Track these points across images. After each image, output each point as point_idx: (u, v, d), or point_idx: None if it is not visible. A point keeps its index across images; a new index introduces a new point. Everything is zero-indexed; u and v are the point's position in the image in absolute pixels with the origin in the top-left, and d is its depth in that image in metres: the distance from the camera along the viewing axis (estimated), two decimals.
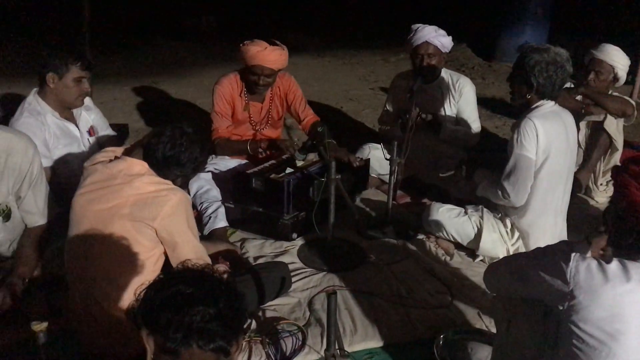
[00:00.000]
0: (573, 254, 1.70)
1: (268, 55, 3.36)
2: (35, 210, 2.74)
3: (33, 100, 3.06)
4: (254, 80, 3.46)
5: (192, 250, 2.25)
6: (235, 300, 1.35)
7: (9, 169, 2.61)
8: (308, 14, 9.76)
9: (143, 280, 2.12)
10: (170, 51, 7.89)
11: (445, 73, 3.90)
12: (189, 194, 3.23)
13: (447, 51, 3.78)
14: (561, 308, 1.70)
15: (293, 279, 2.85)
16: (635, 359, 1.58)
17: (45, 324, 2.02)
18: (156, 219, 2.17)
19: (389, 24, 8.96)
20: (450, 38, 3.74)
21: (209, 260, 2.35)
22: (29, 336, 2.18)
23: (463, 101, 3.86)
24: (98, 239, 2.20)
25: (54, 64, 2.99)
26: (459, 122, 3.89)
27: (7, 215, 2.68)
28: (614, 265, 1.65)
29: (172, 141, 2.23)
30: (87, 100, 3.28)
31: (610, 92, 3.84)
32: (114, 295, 2.20)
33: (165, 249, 2.26)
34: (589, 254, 1.81)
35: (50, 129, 3.06)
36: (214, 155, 3.62)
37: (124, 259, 2.18)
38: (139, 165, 2.24)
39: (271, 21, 9.01)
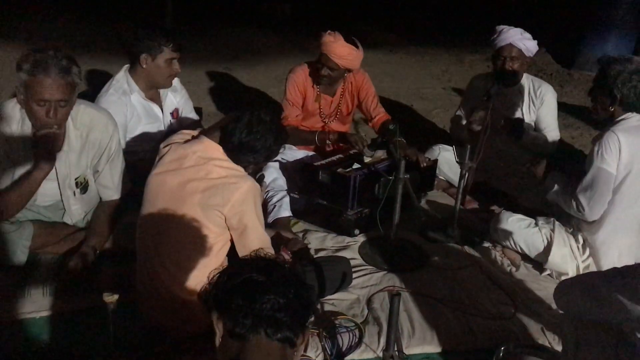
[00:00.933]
0: None
1: (337, 48, 3.33)
2: (110, 184, 2.85)
3: (122, 78, 3.17)
4: (318, 68, 3.45)
5: (258, 239, 2.28)
6: (304, 292, 1.35)
7: (89, 143, 2.72)
8: (384, 8, 9.67)
9: (207, 264, 2.19)
10: (244, 37, 7.99)
11: (527, 78, 3.77)
12: (260, 181, 3.29)
13: (532, 55, 3.66)
14: (638, 335, 1.62)
15: (353, 276, 2.84)
16: None
17: (116, 296, 2.10)
18: (226, 206, 2.20)
19: (465, 24, 8.77)
20: (535, 42, 3.61)
21: (272, 251, 2.37)
22: (99, 305, 2.27)
23: (544, 108, 3.73)
24: (169, 219, 2.25)
25: (147, 44, 3.08)
26: (537, 129, 3.76)
27: (84, 187, 2.80)
28: None
29: (248, 127, 2.25)
30: (176, 82, 3.36)
31: None
32: (179, 276, 2.26)
33: (232, 236, 2.29)
34: None
35: (135, 108, 3.17)
36: (283, 145, 3.64)
37: (191, 241, 2.23)
38: (214, 148, 2.28)
39: (347, 13, 8.98)
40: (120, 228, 2.85)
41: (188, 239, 2.24)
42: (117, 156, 2.84)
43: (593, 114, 2.92)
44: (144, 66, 3.11)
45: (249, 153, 2.28)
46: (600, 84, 2.77)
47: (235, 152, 2.27)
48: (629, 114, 2.75)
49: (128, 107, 3.14)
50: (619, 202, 2.77)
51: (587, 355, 1.89)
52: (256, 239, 2.25)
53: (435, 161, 3.68)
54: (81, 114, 2.68)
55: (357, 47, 3.39)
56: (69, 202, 2.79)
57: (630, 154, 2.70)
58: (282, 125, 2.46)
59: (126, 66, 3.20)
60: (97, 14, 7.98)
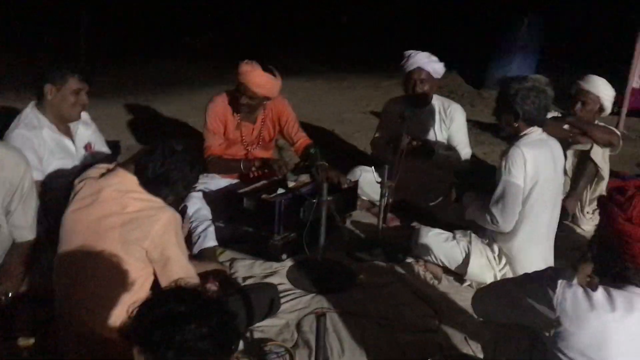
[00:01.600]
0: (560, 281, 1.73)
1: (255, 77, 3.37)
2: (24, 224, 2.72)
3: (30, 113, 3.05)
4: (237, 97, 3.48)
5: (182, 270, 2.25)
6: (227, 319, 1.36)
7: None
8: (302, 37, 9.86)
9: (131, 300, 2.14)
10: (165, 70, 7.93)
11: (437, 99, 3.96)
12: (184, 212, 3.25)
13: (439, 77, 3.85)
14: (547, 335, 1.72)
15: (282, 300, 2.85)
16: None
17: (31, 340, 2.02)
18: (146, 239, 2.17)
19: (381, 49, 9.07)
20: (442, 64, 3.81)
21: (198, 280, 2.34)
22: (15, 351, 2.17)
23: (454, 127, 3.92)
24: (88, 256, 2.19)
25: (53, 75, 2.99)
26: (449, 147, 3.94)
27: None
28: (599, 294, 1.68)
29: (162, 159, 2.23)
30: (85, 116, 3.28)
31: (596, 122, 3.91)
32: (101, 313, 2.18)
33: (154, 269, 2.25)
34: (575, 281, 1.84)
35: (46, 143, 3.06)
36: (205, 174, 3.64)
37: (112, 278, 2.18)
38: (130, 181, 2.25)
39: (266, 42, 9.09)
40: (37, 269, 2.73)
41: (108, 276, 2.18)
42: (30, 194, 2.73)
43: (500, 132, 3.11)
44: (49, 97, 3.00)
45: (164, 185, 2.25)
46: (502, 103, 2.96)
47: (151, 186, 2.24)
48: (532, 129, 2.95)
49: (39, 143, 3.03)
50: (528, 213, 2.94)
51: (505, 358, 1.99)
52: (179, 270, 2.22)
53: (356, 182, 3.77)
54: None
55: (274, 75, 3.45)
56: None
57: (535, 167, 2.89)
58: (196, 153, 2.45)
59: (33, 102, 3.09)
60: (5, 48, 7.67)
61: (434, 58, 3.79)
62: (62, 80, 2.99)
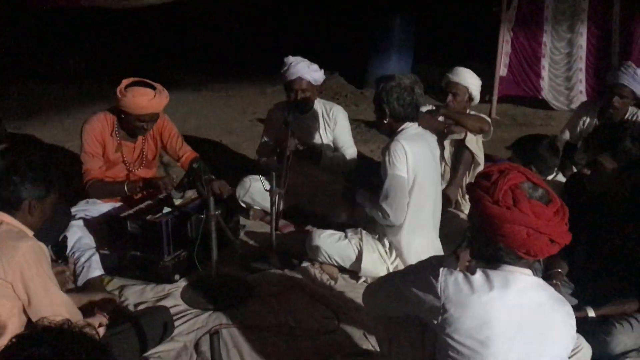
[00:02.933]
0: (441, 269, 1.79)
1: (157, 102, 3.30)
2: None
3: None
4: (141, 126, 3.37)
5: (51, 304, 2.11)
6: (98, 354, 1.28)
7: None
8: (180, 50, 9.65)
9: (2, 343, 1.97)
10: (36, 93, 7.46)
11: (318, 103, 4.01)
12: (64, 243, 3.05)
13: (319, 84, 3.91)
14: (435, 322, 1.77)
15: (177, 322, 2.76)
16: None
17: None
18: (8, 273, 2.03)
19: (262, 56, 9.08)
20: (322, 72, 3.88)
21: (75, 313, 2.21)
22: None
23: (338, 129, 3.99)
24: None
25: None
26: (336, 149, 4.00)
27: None
28: (478, 276, 1.76)
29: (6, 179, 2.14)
30: None
31: (468, 112, 4.13)
32: None
33: (23, 306, 2.10)
34: (457, 267, 1.91)
35: None
36: (85, 200, 3.44)
37: None
38: None
39: (142, 59, 8.81)
40: None
41: None
42: None
43: (378, 130, 3.20)
44: None
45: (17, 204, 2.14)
46: (374, 101, 3.06)
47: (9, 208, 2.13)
48: (406, 124, 3.05)
49: None
50: (412, 205, 3.04)
51: (399, 350, 2.04)
52: (48, 304, 2.09)
53: (234, 189, 3.71)
54: None
55: (160, 87, 3.35)
56: None
57: (415, 160, 2.99)
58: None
59: None
60: None
61: (314, 67, 3.84)
62: None
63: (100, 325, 2.32)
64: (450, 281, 1.76)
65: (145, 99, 3.25)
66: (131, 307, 2.90)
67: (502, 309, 1.72)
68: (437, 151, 3.25)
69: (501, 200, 1.74)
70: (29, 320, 2.12)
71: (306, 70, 3.78)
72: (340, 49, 8.41)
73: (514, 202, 1.72)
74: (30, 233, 2.21)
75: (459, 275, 1.77)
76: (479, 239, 1.83)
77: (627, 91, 3.86)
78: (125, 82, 3.31)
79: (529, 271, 1.80)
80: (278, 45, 8.85)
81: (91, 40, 9.45)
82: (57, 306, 2.14)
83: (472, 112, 4.16)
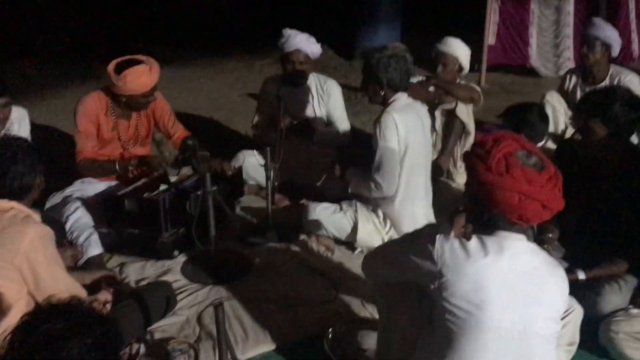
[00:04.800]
0: (437, 236, 1.85)
1: (154, 75, 3.30)
2: None
3: None
4: (146, 102, 3.37)
5: (57, 285, 2.15)
6: (109, 325, 1.33)
7: None
8: (165, 25, 9.53)
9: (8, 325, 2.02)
10: (19, 74, 7.35)
11: (312, 76, 4.02)
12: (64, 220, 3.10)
13: (317, 57, 3.91)
14: (432, 287, 1.83)
15: (179, 297, 2.81)
16: (497, 324, 1.74)
17: None
18: (16, 258, 2.06)
19: (249, 28, 9.00)
20: (319, 45, 3.88)
21: (81, 292, 2.25)
22: None
23: (332, 103, 4.01)
24: None
25: None
26: (329, 122, 4.03)
27: None
28: (473, 242, 1.81)
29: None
30: (20, 114, 3.27)
31: (458, 81, 4.16)
32: None
33: (29, 289, 2.14)
34: (452, 234, 1.97)
35: None
36: (81, 180, 3.46)
37: None
38: (5, 203, 2.16)
39: (127, 35, 8.69)
40: None
41: None
42: None
43: (369, 101, 3.23)
44: None
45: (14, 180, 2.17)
46: (367, 73, 3.07)
47: (8, 193, 2.16)
48: (397, 95, 3.08)
49: None
50: (403, 176, 3.09)
51: (398, 315, 2.10)
52: (55, 285, 2.12)
53: (241, 168, 3.76)
54: None
55: (151, 60, 3.33)
56: None
57: (406, 130, 3.03)
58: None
59: None
60: None
61: (313, 40, 3.85)
62: None
63: (106, 302, 2.38)
64: (446, 247, 1.81)
65: (145, 77, 3.25)
66: (132, 284, 2.95)
67: (497, 273, 1.78)
68: (428, 121, 3.28)
69: (494, 167, 1.78)
70: (37, 303, 2.16)
71: (305, 42, 3.78)
72: (327, 20, 8.35)
73: (507, 168, 1.77)
74: (37, 217, 2.24)
75: (455, 242, 1.83)
76: (474, 206, 1.88)
77: (597, 43, 4.05)
78: (111, 66, 3.28)
79: (522, 236, 1.85)
80: (264, 18, 8.79)
81: (73, 17, 9.29)
82: (67, 286, 2.18)
83: (463, 82, 4.19)
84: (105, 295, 2.46)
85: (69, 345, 1.24)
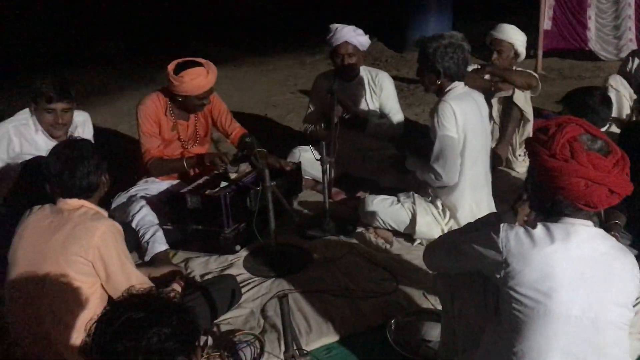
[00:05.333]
0: (502, 225, 1.83)
1: (211, 77, 3.40)
2: None
3: (27, 115, 3.19)
4: (201, 104, 3.49)
5: (128, 278, 2.25)
6: (186, 315, 1.39)
7: None
8: (218, 25, 9.71)
9: (90, 317, 2.12)
10: (79, 78, 7.64)
11: (364, 70, 4.03)
12: (130, 219, 3.23)
13: (365, 49, 3.92)
14: (498, 277, 1.81)
15: (243, 290, 2.88)
16: (567, 312, 1.71)
17: None
18: (89, 252, 2.16)
19: (299, 26, 9.06)
20: (367, 37, 3.88)
21: (150, 285, 2.35)
22: None
23: (384, 95, 4.00)
24: (37, 280, 2.16)
25: (32, 94, 3.11)
26: (382, 115, 4.03)
27: None
28: (538, 230, 1.78)
29: (63, 162, 2.25)
30: (83, 117, 3.44)
31: (514, 68, 4.08)
32: (63, 335, 2.16)
33: (101, 282, 2.24)
34: (516, 223, 1.94)
35: (39, 147, 3.13)
36: (145, 179, 3.58)
37: (67, 297, 2.16)
38: (76, 202, 2.27)
39: (180, 37, 8.91)
40: None
41: (62, 296, 2.16)
42: None
43: (425, 90, 3.21)
44: (34, 115, 3.15)
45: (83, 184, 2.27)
46: (423, 62, 3.05)
47: (77, 192, 2.26)
48: (454, 84, 3.05)
49: (24, 143, 3.15)
50: (463, 165, 3.06)
51: (462, 305, 2.08)
52: (126, 279, 2.22)
53: (299, 164, 3.80)
54: None
55: (207, 62, 3.43)
56: None
57: (464, 119, 3.00)
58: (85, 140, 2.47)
59: (31, 107, 3.19)
60: None
61: (360, 31, 3.85)
62: (36, 102, 3.11)
63: (176, 292, 2.47)
64: (511, 236, 1.79)
65: (202, 78, 3.35)
66: (197, 278, 3.04)
67: (565, 260, 1.74)
68: (486, 110, 3.23)
69: (558, 153, 1.75)
70: (110, 297, 2.26)
71: (352, 34, 3.80)
72: (378, 12, 8.32)
73: (572, 154, 1.73)
74: (106, 214, 2.35)
75: (520, 230, 1.80)
76: (538, 192, 1.85)
77: None
78: (171, 67, 3.39)
79: (589, 222, 1.81)
80: (314, 15, 8.83)
81: (127, 21, 9.57)
82: (138, 279, 2.28)
83: (519, 69, 4.10)
84: (177, 288, 2.56)
85: (148, 334, 1.30)
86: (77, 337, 2.14)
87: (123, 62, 8.30)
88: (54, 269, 2.14)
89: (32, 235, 2.24)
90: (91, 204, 2.31)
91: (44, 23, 8.96)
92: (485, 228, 1.88)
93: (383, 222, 3.30)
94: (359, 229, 3.43)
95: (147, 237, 3.22)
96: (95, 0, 9.43)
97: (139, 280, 2.29)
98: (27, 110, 3.21)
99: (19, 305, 2.23)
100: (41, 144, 3.17)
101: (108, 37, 9.17)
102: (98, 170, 2.30)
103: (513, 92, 3.95)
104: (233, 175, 3.45)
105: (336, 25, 3.86)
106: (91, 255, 2.17)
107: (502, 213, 2.16)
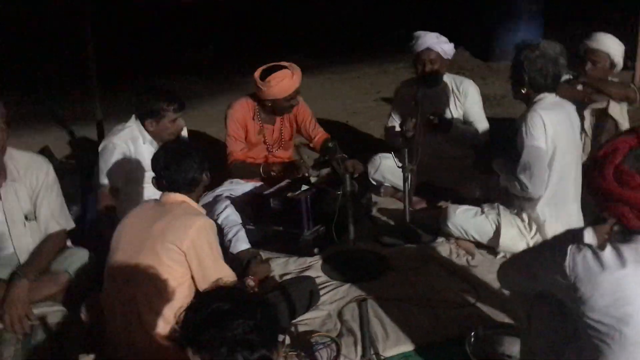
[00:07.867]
0: (570, 247, 1.72)
1: (297, 78, 3.51)
2: (49, 216, 2.81)
3: (133, 125, 3.27)
4: (289, 105, 3.60)
5: (218, 271, 2.34)
6: (269, 310, 1.43)
7: (27, 178, 2.74)
8: (300, 34, 9.88)
9: (178, 305, 2.22)
10: (171, 87, 8.00)
11: (448, 77, 3.97)
12: (215, 218, 3.33)
13: (449, 57, 3.86)
14: (570, 301, 1.73)
15: (321, 292, 2.91)
16: None
17: (92, 357, 2.10)
18: (184, 242, 2.28)
19: (382, 33, 9.07)
20: (452, 45, 3.82)
21: (235, 279, 2.43)
22: None
23: (469, 102, 3.92)
24: (137, 264, 2.31)
25: (150, 111, 3.18)
26: (466, 123, 3.95)
27: (31, 218, 2.77)
28: (607, 252, 1.66)
29: (169, 161, 2.40)
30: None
31: (610, 79, 3.88)
32: (153, 320, 2.29)
33: (192, 272, 2.35)
34: (588, 242, 1.82)
35: (144, 156, 3.22)
36: (230, 180, 3.71)
37: (159, 284, 2.28)
38: (179, 196, 2.41)
39: (265, 45, 9.14)
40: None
41: (155, 282, 2.28)
42: (52, 188, 2.84)
43: (514, 96, 3.13)
44: (151, 129, 3.23)
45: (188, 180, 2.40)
46: (513, 67, 2.99)
47: (181, 185, 2.39)
48: (543, 94, 2.96)
49: (133, 154, 3.24)
50: (552, 176, 2.95)
51: (539, 325, 1.98)
52: (215, 272, 2.31)
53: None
54: (15, 154, 2.74)
55: (291, 65, 3.54)
56: (19, 234, 2.73)
57: (554, 130, 2.89)
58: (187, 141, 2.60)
59: (134, 116, 3.28)
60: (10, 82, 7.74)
61: (443, 39, 3.80)
62: (160, 116, 3.19)
63: (252, 287, 2.56)
64: (578, 259, 1.68)
65: (287, 80, 3.45)
66: (277, 278, 3.10)
67: (638, 284, 1.63)
68: (577, 121, 3.11)
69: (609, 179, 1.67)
70: (197, 290, 2.36)
71: (435, 41, 3.76)
72: (464, 21, 8.18)
73: (620, 180, 1.65)
74: (204, 212, 2.50)
75: (588, 253, 1.68)
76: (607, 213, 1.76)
77: None
78: (257, 73, 3.51)
79: None
80: (397, 22, 8.81)
81: (214, 31, 9.93)
82: (224, 273, 2.37)
83: (615, 79, 3.90)
84: (250, 282, 2.65)
85: (233, 325, 1.35)
86: (166, 324, 2.25)
87: (212, 70, 8.61)
88: (151, 255, 2.29)
89: (134, 223, 2.41)
90: (192, 200, 2.46)
91: (139, 35, 9.47)
92: (553, 251, 1.79)
93: (465, 232, 3.23)
94: (440, 239, 3.38)
95: (230, 235, 3.32)
96: (187, 14, 9.86)
97: (227, 274, 2.39)
98: (130, 122, 3.28)
99: (115, 287, 2.38)
100: (146, 155, 3.21)
101: (198, 47, 9.56)
102: (201, 167, 2.44)
103: (608, 104, 3.76)
104: (314, 179, 3.51)
105: (419, 32, 3.83)
106: (185, 245, 2.29)
107: (577, 230, 2.04)
